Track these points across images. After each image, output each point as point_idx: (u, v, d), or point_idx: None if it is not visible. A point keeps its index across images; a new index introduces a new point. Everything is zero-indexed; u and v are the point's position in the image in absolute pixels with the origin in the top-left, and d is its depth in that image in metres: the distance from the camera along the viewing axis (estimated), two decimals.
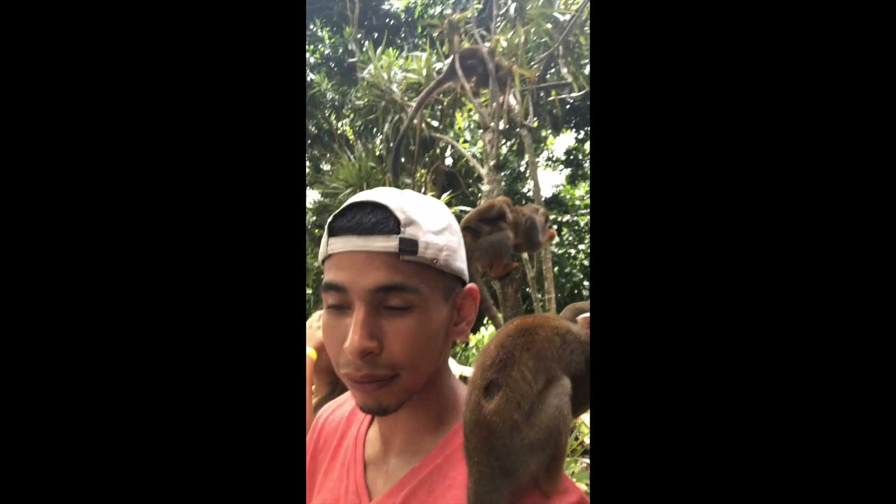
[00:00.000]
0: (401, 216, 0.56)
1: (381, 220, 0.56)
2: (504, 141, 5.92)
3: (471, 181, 5.86)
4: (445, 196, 4.91)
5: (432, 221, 0.59)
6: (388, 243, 0.55)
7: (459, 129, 5.41)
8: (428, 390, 0.62)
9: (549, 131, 7.07)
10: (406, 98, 4.19)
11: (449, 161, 5.91)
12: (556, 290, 4.87)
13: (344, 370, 0.57)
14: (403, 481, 0.60)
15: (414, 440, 0.63)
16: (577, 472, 3.59)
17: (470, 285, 0.65)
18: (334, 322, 0.58)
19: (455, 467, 0.58)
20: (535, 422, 0.57)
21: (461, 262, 0.63)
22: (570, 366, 0.67)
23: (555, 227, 5.20)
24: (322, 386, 1.45)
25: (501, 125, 2.44)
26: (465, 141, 6.07)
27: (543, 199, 6.85)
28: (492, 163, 2.30)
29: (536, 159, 7.33)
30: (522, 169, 6.20)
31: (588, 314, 0.78)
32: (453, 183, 5.68)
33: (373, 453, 0.67)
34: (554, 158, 7.41)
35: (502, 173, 2.21)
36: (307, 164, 6.83)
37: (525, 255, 2.80)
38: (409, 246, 0.55)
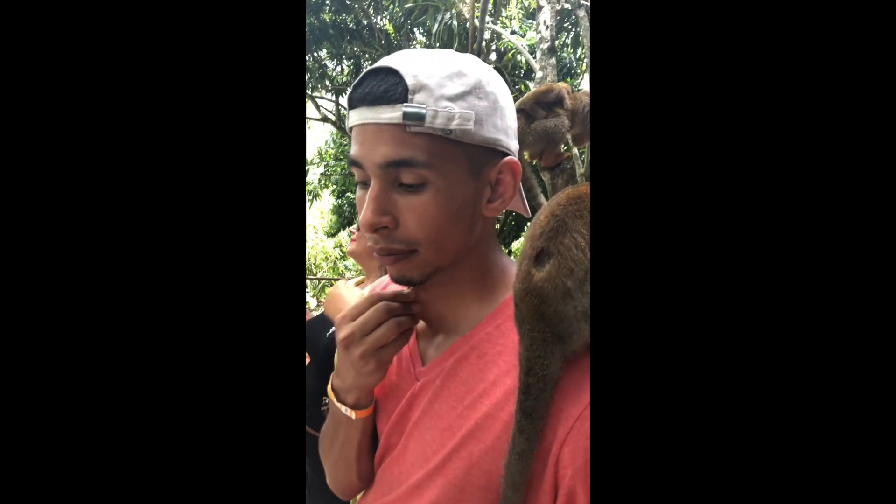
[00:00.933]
0: (410, 81, 0.51)
1: (390, 87, 0.52)
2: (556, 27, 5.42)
3: (517, 77, 5.49)
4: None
5: (451, 85, 0.53)
6: (393, 114, 0.51)
7: (507, 17, 4.96)
8: (466, 265, 0.61)
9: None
10: None
11: (493, 56, 5.52)
12: None
13: (368, 242, 0.57)
14: (454, 347, 0.60)
15: (461, 312, 0.62)
16: None
17: (508, 158, 0.59)
18: (361, 197, 0.57)
19: (506, 335, 0.58)
20: (588, 289, 0.54)
21: (494, 131, 0.56)
22: None
23: None
24: (372, 269, 1.52)
25: (557, 5, 2.21)
26: (514, 31, 5.58)
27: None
28: (545, 45, 2.11)
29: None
30: (585, 61, 5.72)
31: None
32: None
33: (422, 325, 0.68)
34: None
35: (554, 60, 2.01)
36: (348, 62, 6.57)
37: (575, 151, 2.67)
38: (415, 116, 0.51)
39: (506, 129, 0.59)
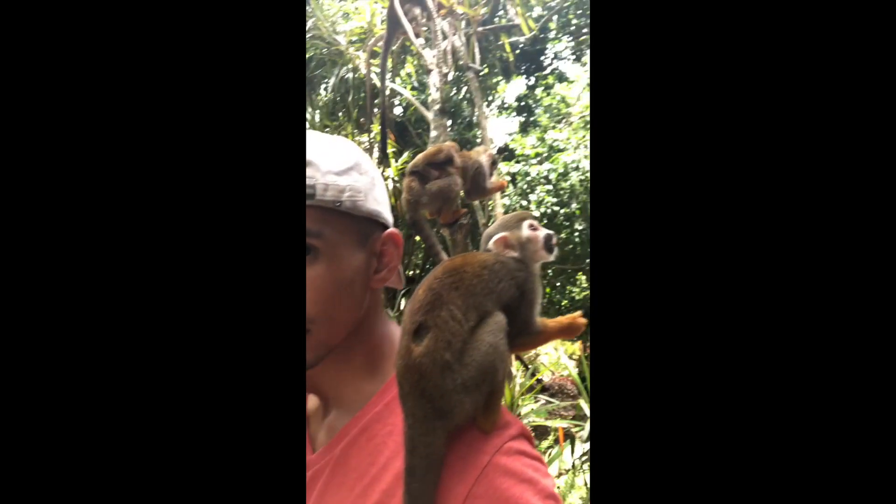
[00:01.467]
0: None
1: None
2: (454, 88, 5.76)
3: (420, 130, 5.72)
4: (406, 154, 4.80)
5: (334, 161, 0.57)
6: None
7: (407, 75, 5.20)
8: (356, 341, 0.61)
9: (500, 77, 6.93)
10: (353, 49, 3.97)
11: (399, 110, 5.71)
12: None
13: None
14: (343, 431, 0.59)
15: (351, 391, 0.62)
16: (535, 409, 3.77)
17: (390, 230, 0.62)
18: None
19: (394, 413, 0.57)
20: (467, 360, 0.56)
21: (376, 204, 0.60)
22: (503, 297, 0.66)
23: (507, 177, 5.19)
24: None
25: (445, 68, 2.35)
26: (414, 88, 5.85)
27: (495, 146, 6.82)
28: (437, 107, 2.23)
29: (487, 107, 7.23)
30: (475, 119, 6.11)
31: (499, 235, 0.77)
32: (404, 133, 5.52)
33: (312, 407, 0.65)
34: (506, 106, 7.30)
35: (450, 120, 2.13)
36: None
37: (476, 203, 2.80)
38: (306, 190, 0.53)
39: (385, 202, 0.63)
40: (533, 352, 8.71)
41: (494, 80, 6.86)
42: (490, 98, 7.09)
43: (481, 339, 0.59)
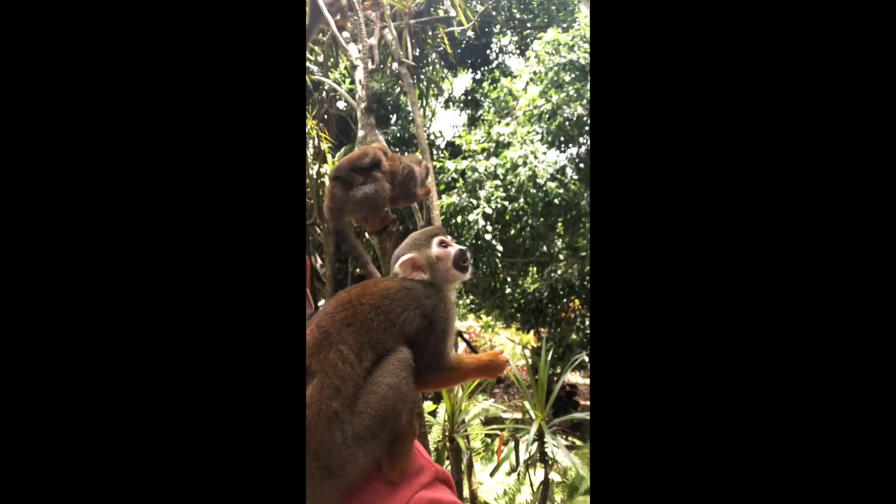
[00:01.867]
0: None
1: None
2: (393, 84, 5.59)
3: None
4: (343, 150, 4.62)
5: None
6: None
7: (343, 70, 5.01)
8: None
9: (446, 72, 6.83)
10: None
11: (342, 104, 5.52)
12: (459, 234, 4.87)
13: None
14: None
15: None
16: (485, 408, 3.75)
17: None
18: None
19: None
20: (361, 408, 0.50)
21: None
22: (407, 329, 0.60)
23: (456, 175, 5.12)
24: None
25: (371, 63, 2.23)
26: (353, 82, 5.64)
27: (444, 142, 6.72)
28: (363, 105, 2.11)
29: (436, 101, 7.11)
30: (411, 116, 6.00)
31: (406, 256, 0.71)
32: (348, 128, 5.34)
33: None
34: (455, 99, 7.22)
35: (374, 118, 1.99)
36: None
37: (416, 205, 2.69)
38: None
39: None
40: (488, 342, 8.73)
41: (439, 75, 6.75)
42: (435, 92, 6.98)
43: (379, 380, 0.53)
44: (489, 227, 4.73)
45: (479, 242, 4.72)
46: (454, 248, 0.75)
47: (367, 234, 1.84)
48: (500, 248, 4.93)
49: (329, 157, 4.24)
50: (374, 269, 1.69)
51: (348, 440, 0.48)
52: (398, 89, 5.66)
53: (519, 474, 2.47)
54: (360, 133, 2.08)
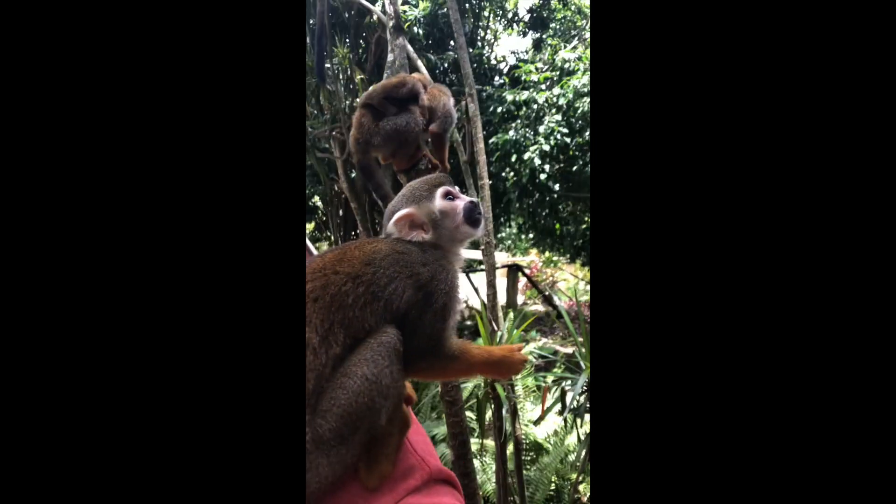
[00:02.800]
0: None
1: None
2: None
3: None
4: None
5: None
6: None
7: None
8: None
9: None
10: None
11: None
12: (513, 175, 4.63)
13: None
14: None
15: None
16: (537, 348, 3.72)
17: None
18: None
19: None
20: (326, 406, 0.43)
21: None
22: (395, 304, 0.50)
23: (513, 107, 4.79)
24: None
25: None
26: (407, 2, 5.25)
27: (507, 67, 6.23)
28: (391, 24, 1.89)
29: (499, 23, 6.54)
30: (454, 42, 5.52)
31: (402, 211, 0.59)
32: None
33: None
34: (519, 19, 6.61)
35: (402, 40, 1.75)
36: None
37: (458, 138, 2.51)
38: None
39: None
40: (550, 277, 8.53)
41: None
42: (500, 13, 6.41)
43: (352, 371, 0.44)
44: (546, 168, 4.45)
45: (536, 182, 4.49)
46: (463, 199, 0.62)
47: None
48: (556, 188, 4.66)
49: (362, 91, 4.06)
50: None
51: (308, 445, 0.42)
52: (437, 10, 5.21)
53: (566, 421, 2.47)
54: (390, 57, 1.87)
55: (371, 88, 1.60)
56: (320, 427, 0.42)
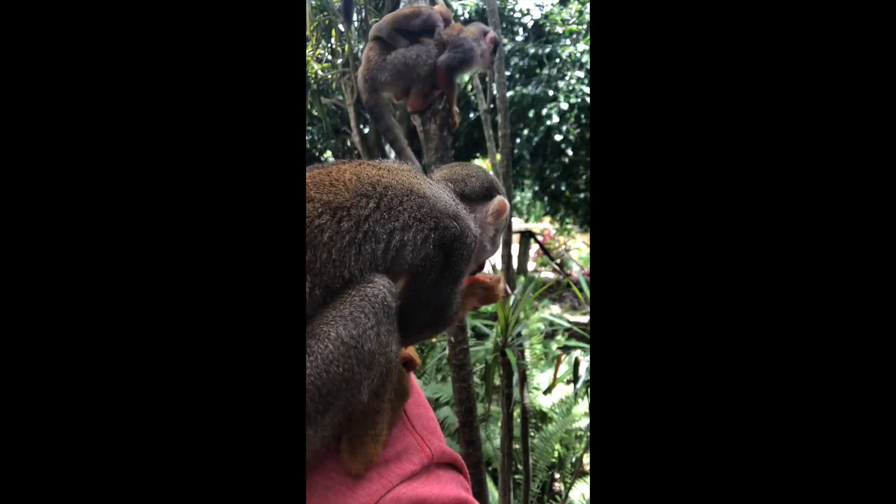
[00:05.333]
0: None
1: None
2: None
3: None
4: None
5: None
6: None
7: None
8: None
9: None
10: None
11: None
12: (529, 129, 4.41)
13: None
14: None
15: None
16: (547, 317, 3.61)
17: None
18: None
19: None
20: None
21: None
22: (404, 256, 0.41)
23: (534, 61, 4.52)
24: None
25: None
26: None
27: (530, 21, 5.90)
28: None
29: None
30: None
31: (501, 198, 0.53)
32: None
33: None
34: None
35: None
36: None
37: (478, 81, 2.32)
38: None
39: None
40: (563, 246, 8.41)
41: None
42: None
43: (321, 331, 0.35)
44: (563, 127, 4.22)
45: (549, 141, 4.27)
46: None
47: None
48: (570, 153, 4.45)
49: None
50: (414, 159, 1.37)
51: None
52: None
53: (577, 392, 2.41)
54: None
55: (382, 19, 1.41)
56: None
